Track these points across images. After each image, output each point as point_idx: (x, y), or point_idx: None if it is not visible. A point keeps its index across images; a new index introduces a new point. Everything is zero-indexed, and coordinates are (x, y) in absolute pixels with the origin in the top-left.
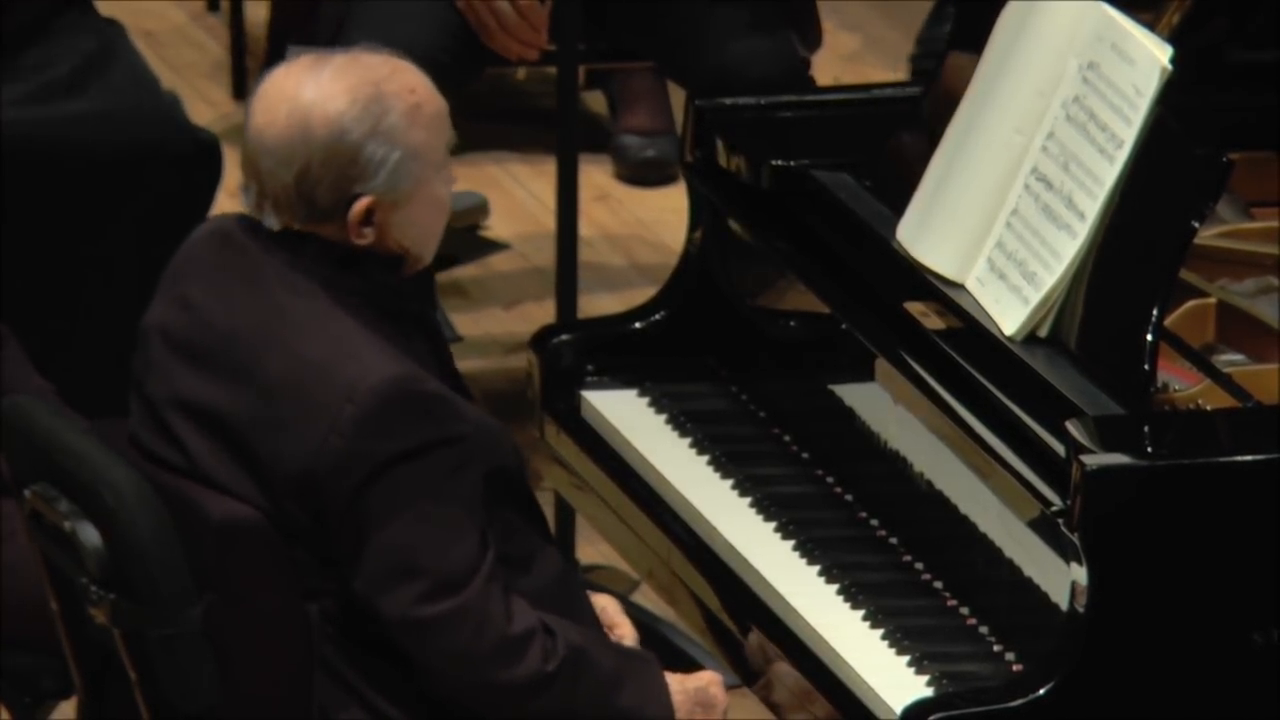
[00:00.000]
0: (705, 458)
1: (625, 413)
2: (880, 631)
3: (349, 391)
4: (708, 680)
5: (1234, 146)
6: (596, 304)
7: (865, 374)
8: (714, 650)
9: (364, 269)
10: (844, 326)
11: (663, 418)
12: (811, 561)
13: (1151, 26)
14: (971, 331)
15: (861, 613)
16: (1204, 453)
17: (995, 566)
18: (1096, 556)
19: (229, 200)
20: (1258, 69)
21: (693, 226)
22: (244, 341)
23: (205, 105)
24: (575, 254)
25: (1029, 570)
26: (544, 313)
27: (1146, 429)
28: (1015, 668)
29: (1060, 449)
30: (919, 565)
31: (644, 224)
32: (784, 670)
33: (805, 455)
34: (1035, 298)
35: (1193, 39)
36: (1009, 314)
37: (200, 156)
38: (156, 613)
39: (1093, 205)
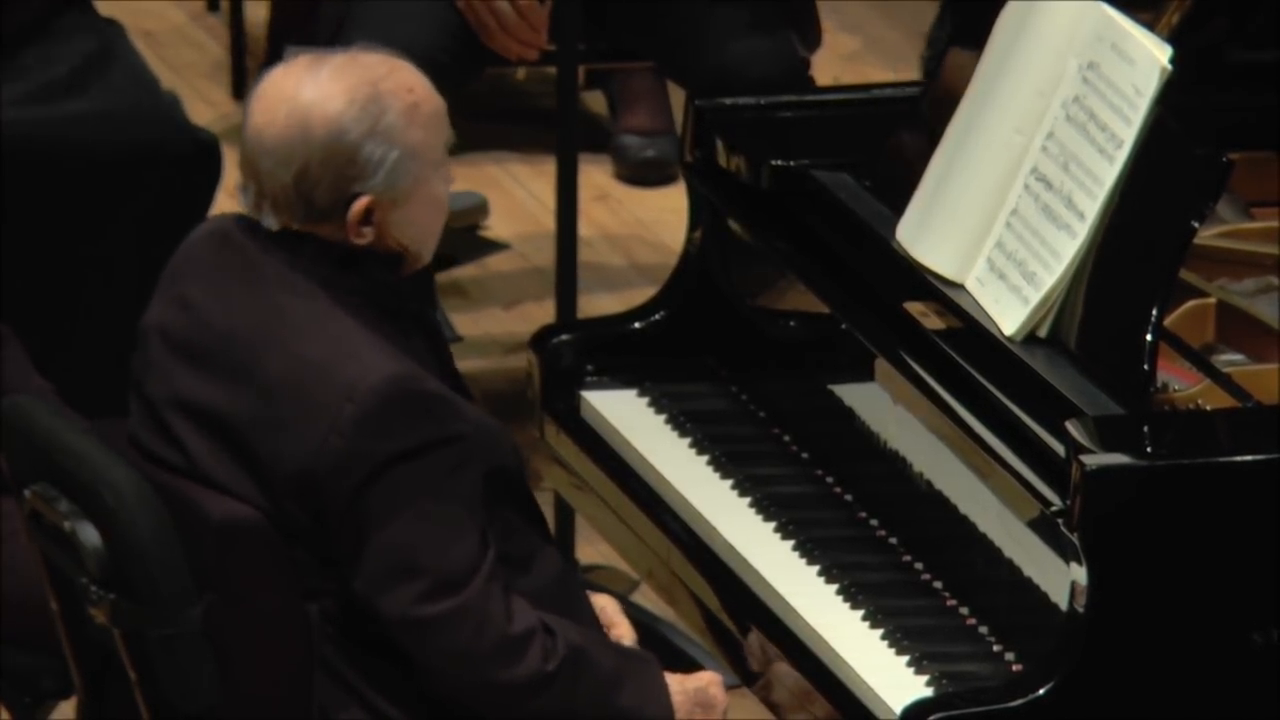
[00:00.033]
0: (705, 458)
1: (625, 413)
2: (880, 631)
3: (349, 391)
4: (707, 680)
5: (1234, 146)
6: (596, 304)
7: (865, 374)
8: (714, 650)
9: (363, 268)
10: (844, 326)
11: (662, 418)
12: (811, 561)
13: (1151, 26)
14: (971, 331)
15: (861, 613)
16: (1204, 453)
17: (995, 566)
18: (1096, 556)
19: (228, 200)
20: (1258, 69)
21: (692, 226)
22: (243, 341)
23: (205, 105)
24: (575, 254)
25: (1029, 570)
26: (544, 313)
27: (1146, 429)
28: (1015, 668)
29: (1060, 449)
30: (919, 565)
31: (644, 224)
32: (784, 670)
33: (805, 455)
34: (1035, 298)
35: (1193, 39)
36: (1009, 314)
37: (200, 156)
38: (156, 613)
39: (1092, 205)
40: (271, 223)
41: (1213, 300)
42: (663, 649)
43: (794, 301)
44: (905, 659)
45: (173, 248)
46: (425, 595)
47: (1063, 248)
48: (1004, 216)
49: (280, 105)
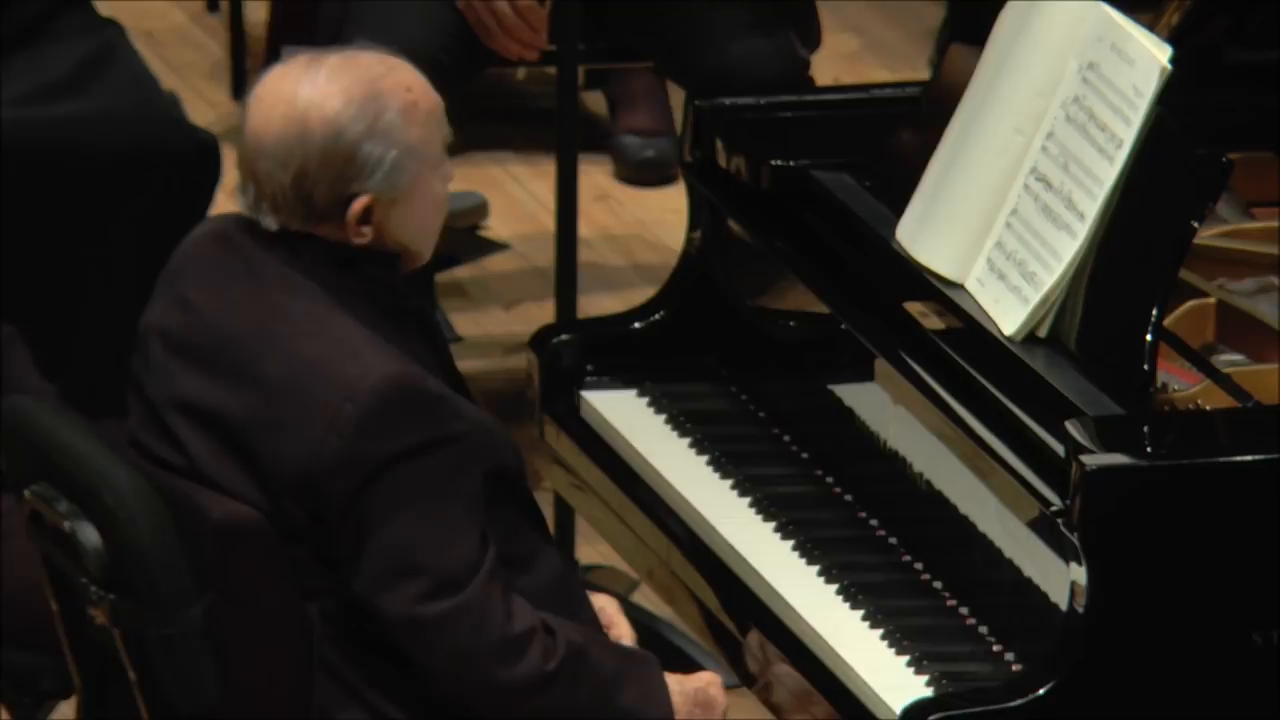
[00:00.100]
0: (705, 458)
1: (625, 413)
2: (880, 631)
3: (349, 391)
4: (707, 681)
5: (1234, 146)
6: (596, 304)
7: (865, 374)
8: (714, 650)
9: (362, 268)
10: (844, 326)
11: (662, 418)
12: (811, 561)
13: (1151, 26)
14: (971, 332)
15: (861, 613)
16: (1203, 453)
17: (995, 566)
18: (1096, 556)
19: (228, 200)
20: (1258, 69)
21: (692, 226)
22: (243, 341)
23: (205, 105)
24: (575, 254)
25: (1029, 570)
26: (544, 313)
27: (1146, 429)
28: (1015, 668)
29: (1060, 449)
30: (918, 565)
31: (644, 224)
32: (783, 670)
33: (805, 455)
34: (1035, 298)
35: (1192, 39)
36: (1009, 314)
37: (199, 157)
38: (156, 613)
39: (1092, 205)
40: (270, 223)
41: (1213, 300)
42: (663, 649)
43: (794, 301)
44: (905, 659)
45: (173, 248)
46: (425, 595)
47: (1063, 248)
48: (1004, 216)
49: (278, 106)
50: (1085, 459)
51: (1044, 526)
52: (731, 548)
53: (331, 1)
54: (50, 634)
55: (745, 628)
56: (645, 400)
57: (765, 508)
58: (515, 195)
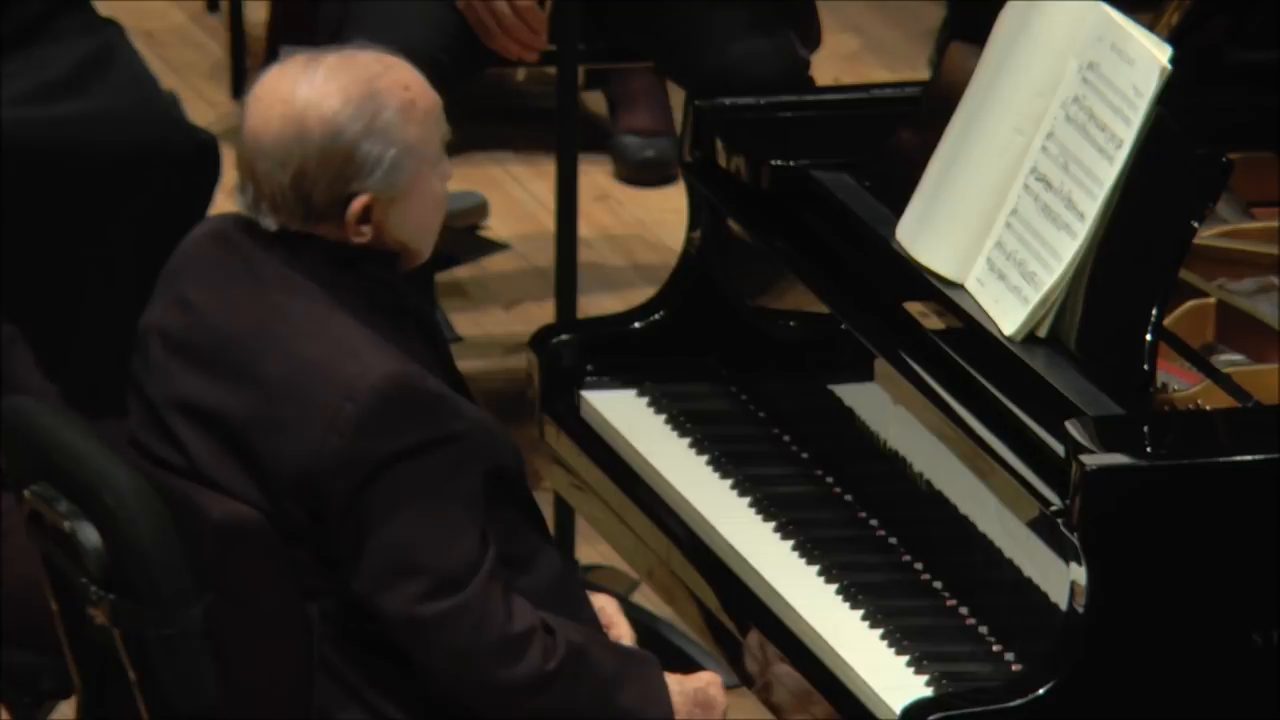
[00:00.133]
0: (705, 458)
1: (625, 413)
2: (880, 631)
3: (349, 390)
4: (707, 681)
5: (1234, 146)
6: (596, 304)
7: (865, 374)
8: (713, 650)
9: (362, 267)
10: (844, 326)
11: (662, 418)
12: (811, 561)
13: (1151, 26)
14: (971, 331)
15: (861, 613)
16: (1203, 453)
17: (995, 566)
18: (1096, 556)
19: (228, 200)
20: (1258, 69)
21: (692, 226)
22: (243, 341)
23: (205, 105)
24: (575, 254)
25: (1029, 570)
26: (544, 313)
27: (1146, 429)
28: (1015, 668)
29: (1060, 449)
30: (918, 565)
31: (644, 224)
32: (783, 670)
33: (805, 455)
34: (1035, 298)
35: (1193, 39)
36: (1008, 314)
37: (199, 157)
38: (156, 613)
39: (1092, 205)
40: (270, 223)
41: (1213, 300)
42: (663, 649)
43: (794, 301)
44: (905, 659)
45: (172, 248)
46: (425, 594)
47: (1062, 248)
48: (1004, 216)
49: (276, 106)
50: (1085, 459)
51: (1044, 526)
52: (731, 548)
53: (331, 1)
54: (50, 634)
55: (745, 628)
56: (645, 400)
57: (765, 508)
58: (515, 195)
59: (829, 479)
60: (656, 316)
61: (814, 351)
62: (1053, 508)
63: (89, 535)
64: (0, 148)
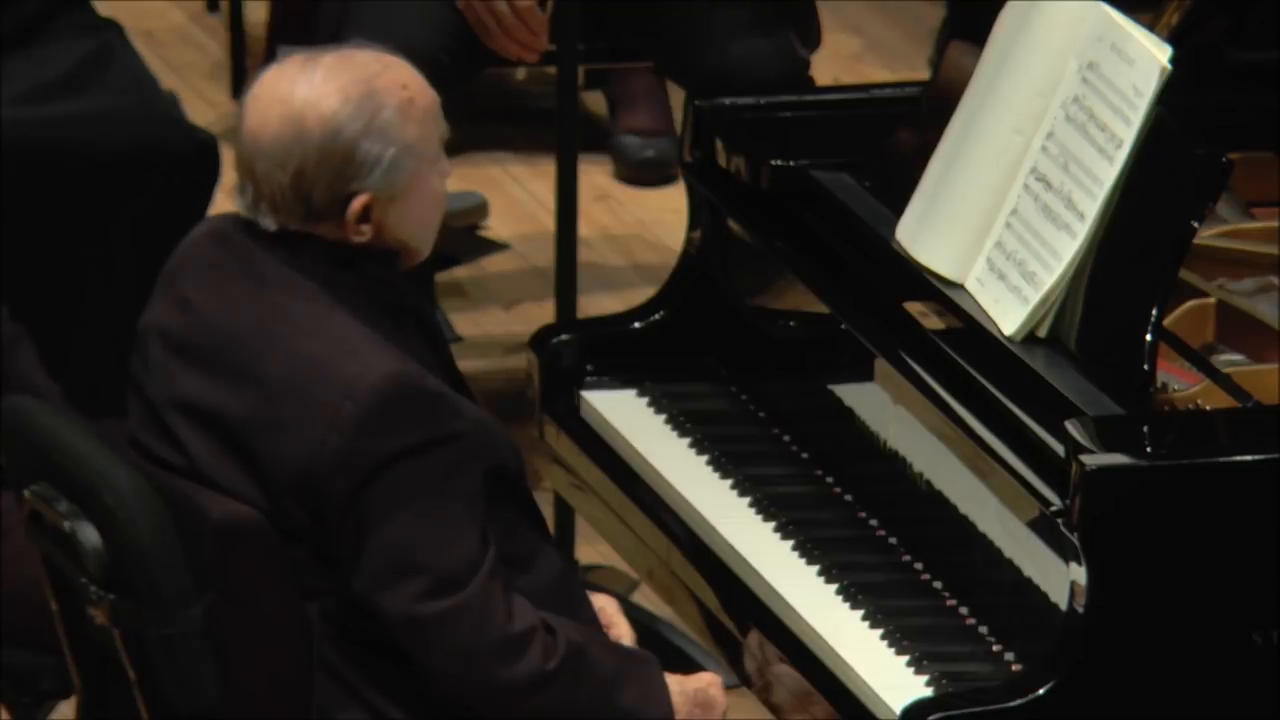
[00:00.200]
0: (705, 458)
1: (625, 413)
2: (880, 631)
3: (348, 389)
4: (707, 681)
5: (1234, 146)
6: (596, 304)
7: (865, 374)
8: (714, 650)
9: (362, 266)
10: (844, 326)
11: (662, 418)
12: (811, 561)
13: (1151, 26)
14: (971, 331)
15: (861, 613)
16: (1203, 453)
17: (995, 566)
18: (1096, 556)
19: (227, 200)
20: (1258, 69)
21: (692, 226)
22: (243, 341)
23: (205, 105)
24: (575, 254)
25: (1029, 570)
26: (544, 313)
27: (1146, 429)
28: (1015, 668)
29: (1060, 449)
30: (918, 565)
31: (644, 224)
32: (783, 671)
33: (805, 455)
34: (1035, 298)
35: (1192, 39)
36: (1008, 314)
37: (199, 157)
38: (156, 613)
39: (1092, 205)
40: (269, 223)
41: (1213, 300)
42: (663, 649)
43: (794, 301)
44: (905, 659)
45: (172, 248)
46: (425, 593)
47: (1062, 248)
48: (1004, 216)
49: (275, 106)
50: (1085, 459)
51: (1044, 526)
52: (731, 548)
53: (331, 1)
54: (50, 634)
55: (745, 628)
56: (645, 400)
57: (765, 508)
58: (515, 195)
59: (829, 479)
60: (656, 316)
61: (814, 351)
62: (1053, 508)
63: (89, 535)
64: (0, 148)
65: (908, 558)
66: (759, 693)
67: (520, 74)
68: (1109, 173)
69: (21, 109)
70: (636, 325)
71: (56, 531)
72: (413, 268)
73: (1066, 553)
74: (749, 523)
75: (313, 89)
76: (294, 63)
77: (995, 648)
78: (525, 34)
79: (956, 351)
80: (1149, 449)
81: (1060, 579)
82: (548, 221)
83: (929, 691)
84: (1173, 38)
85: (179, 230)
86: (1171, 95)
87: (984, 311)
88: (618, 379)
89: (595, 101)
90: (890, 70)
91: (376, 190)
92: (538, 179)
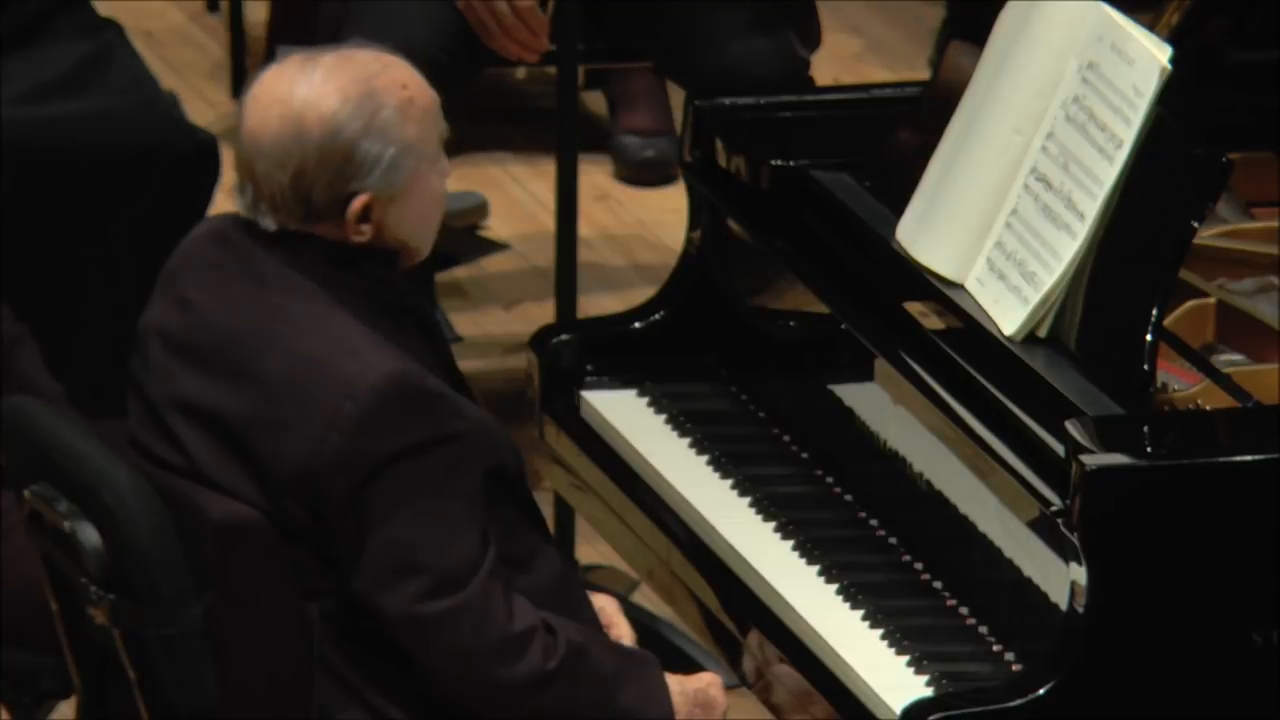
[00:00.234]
0: (705, 458)
1: (625, 413)
2: (880, 631)
3: (349, 389)
4: (707, 681)
5: (1234, 146)
6: (596, 304)
7: (865, 374)
8: (714, 650)
9: (362, 266)
10: (844, 326)
11: (662, 418)
12: (811, 561)
13: (1151, 26)
14: (971, 331)
15: (861, 613)
16: (1203, 453)
17: (995, 566)
18: (1096, 556)
19: (227, 200)
20: (1258, 69)
21: (692, 226)
22: (243, 341)
23: (205, 105)
24: (575, 254)
25: (1029, 570)
26: (544, 313)
27: (1146, 429)
28: (1015, 668)
29: (1060, 449)
30: (918, 565)
31: (644, 224)
32: (783, 671)
33: (805, 455)
34: (1035, 298)
35: (1192, 39)
36: (1008, 314)
37: (199, 157)
38: (156, 613)
39: (1092, 205)
40: (269, 223)
41: (1213, 300)
42: (663, 649)
43: (794, 301)
44: (905, 659)
45: (172, 248)
46: (426, 593)
47: (1062, 248)
48: (1004, 217)
49: (274, 106)
50: (1085, 459)
51: (1044, 526)
52: (731, 548)
53: (331, 1)
54: (50, 634)
55: (745, 628)
56: (645, 400)
57: (765, 508)
58: (515, 195)
59: (829, 479)
60: (656, 316)
61: (814, 351)
62: (1053, 508)
63: (89, 535)
64: (0, 148)
65: (908, 558)
66: (759, 693)
67: (520, 74)
68: (1109, 173)
69: (21, 109)
70: (636, 325)
71: (56, 531)
72: (413, 268)
73: (1066, 553)
74: (749, 523)
75: (312, 89)
76: (293, 63)
77: (995, 648)
78: (525, 34)
79: (956, 351)
80: (1149, 449)
81: (1060, 579)
82: (548, 221)
83: (929, 691)
84: (1173, 38)
85: (179, 230)
86: (1171, 95)
87: (984, 311)
88: (618, 379)
89: (595, 101)
90: (890, 70)
91: (376, 190)
92: (538, 179)
